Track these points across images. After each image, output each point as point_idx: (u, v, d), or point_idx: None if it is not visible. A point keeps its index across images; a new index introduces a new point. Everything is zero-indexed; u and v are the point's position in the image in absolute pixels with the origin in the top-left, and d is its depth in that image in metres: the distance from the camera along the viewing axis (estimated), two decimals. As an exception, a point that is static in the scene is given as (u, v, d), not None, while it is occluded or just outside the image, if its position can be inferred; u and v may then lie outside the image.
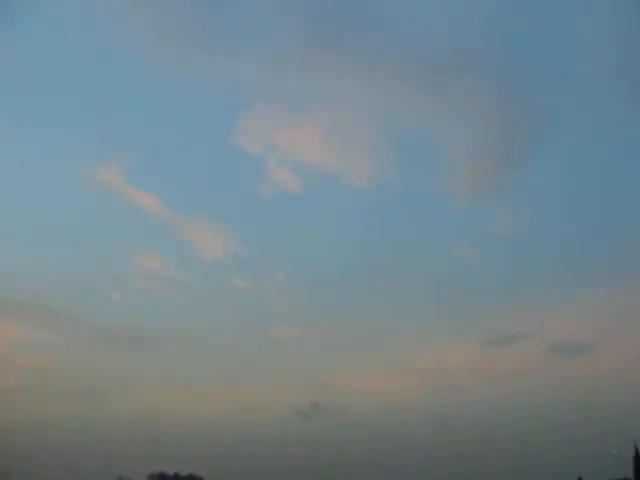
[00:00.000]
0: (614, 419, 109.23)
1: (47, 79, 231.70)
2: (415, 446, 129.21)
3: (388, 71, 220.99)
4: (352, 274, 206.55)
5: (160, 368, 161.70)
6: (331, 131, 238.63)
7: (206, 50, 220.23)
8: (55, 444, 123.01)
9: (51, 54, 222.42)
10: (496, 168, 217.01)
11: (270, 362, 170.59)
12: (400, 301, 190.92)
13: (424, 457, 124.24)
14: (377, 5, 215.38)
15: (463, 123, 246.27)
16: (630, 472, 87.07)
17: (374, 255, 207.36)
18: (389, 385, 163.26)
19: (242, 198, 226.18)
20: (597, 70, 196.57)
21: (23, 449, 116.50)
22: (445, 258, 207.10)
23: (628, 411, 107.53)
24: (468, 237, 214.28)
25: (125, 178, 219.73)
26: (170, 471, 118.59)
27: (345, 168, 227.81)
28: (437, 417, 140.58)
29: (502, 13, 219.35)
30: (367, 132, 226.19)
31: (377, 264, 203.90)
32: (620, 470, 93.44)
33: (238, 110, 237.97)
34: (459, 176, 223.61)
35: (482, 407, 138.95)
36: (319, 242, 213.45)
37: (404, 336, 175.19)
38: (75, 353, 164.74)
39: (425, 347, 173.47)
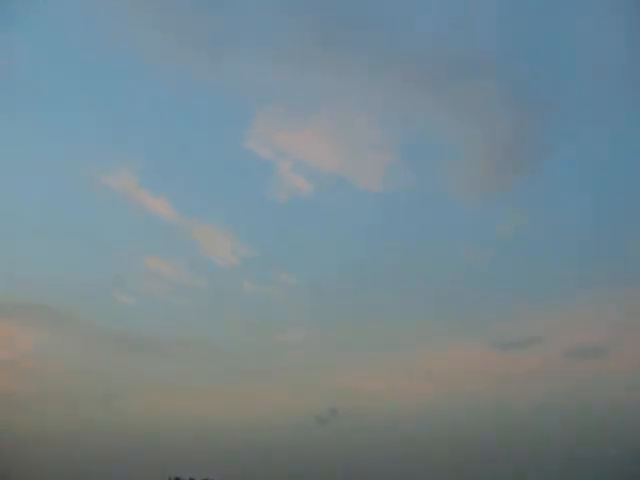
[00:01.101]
0: (630, 421, 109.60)
1: (53, 81, 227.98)
2: (427, 448, 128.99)
3: (398, 73, 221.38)
4: (364, 276, 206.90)
5: (169, 372, 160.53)
6: (341, 134, 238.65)
7: (215, 53, 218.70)
8: (65, 450, 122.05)
9: (56, 55, 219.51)
10: (504, 169, 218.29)
11: (283, 365, 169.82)
12: (413, 303, 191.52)
13: (437, 459, 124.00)
14: (398, 6, 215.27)
15: (472, 124, 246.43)
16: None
17: (385, 257, 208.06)
18: (402, 388, 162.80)
19: (251, 201, 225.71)
20: (605, 70, 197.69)
21: (28, 455, 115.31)
22: (457, 260, 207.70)
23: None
24: (478, 238, 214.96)
25: (135, 181, 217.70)
26: (185, 476, 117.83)
27: (355, 171, 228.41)
28: (449, 420, 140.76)
29: (507, 13, 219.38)
30: (377, 135, 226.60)
31: (389, 266, 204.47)
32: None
33: (248, 113, 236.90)
34: (468, 177, 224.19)
35: (497, 411, 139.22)
36: (329, 245, 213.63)
37: (417, 339, 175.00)
38: (81, 357, 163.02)
39: (437, 350, 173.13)
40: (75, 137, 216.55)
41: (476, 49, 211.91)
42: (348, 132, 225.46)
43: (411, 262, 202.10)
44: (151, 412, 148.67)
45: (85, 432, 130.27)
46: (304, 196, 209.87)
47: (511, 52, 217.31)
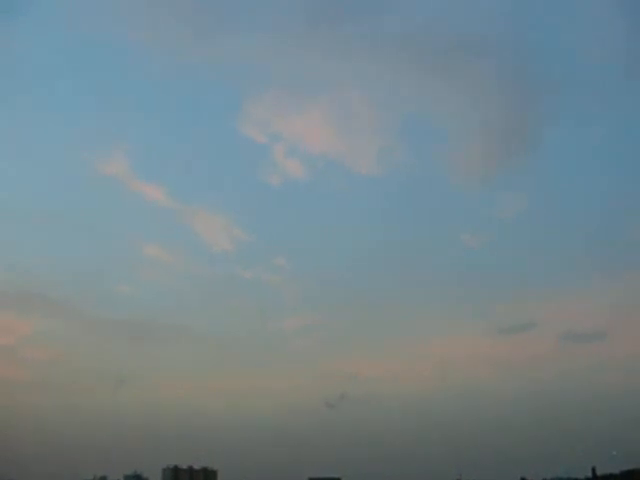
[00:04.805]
0: (627, 408, 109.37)
1: (49, 69, 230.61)
2: (434, 432, 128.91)
3: (393, 55, 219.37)
4: (362, 262, 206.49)
5: (170, 360, 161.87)
6: (336, 117, 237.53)
7: (209, 36, 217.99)
8: (66, 438, 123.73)
9: (52, 43, 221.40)
10: (504, 151, 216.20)
11: (281, 353, 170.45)
12: (411, 288, 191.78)
13: (442, 442, 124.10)
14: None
15: (470, 106, 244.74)
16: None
17: (383, 241, 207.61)
18: (404, 374, 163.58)
19: (247, 186, 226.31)
20: (604, 50, 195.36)
21: (33, 443, 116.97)
22: (454, 244, 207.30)
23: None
24: (477, 222, 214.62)
25: (131, 169, 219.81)
26: (184, 465, 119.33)
27: (351, 154, 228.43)
28: (449, 405, 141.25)
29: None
30: (372, 117, 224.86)
31: (387, 250, 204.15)
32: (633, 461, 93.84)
33: (243, 98, 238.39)
34: (467, 160, 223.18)
35: (497, 396, 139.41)
36: (327, 230, 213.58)
37: (416, 324, 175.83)
38: (83, 345, 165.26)
39: (438, 335, 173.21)
40: (71, 124, 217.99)
41: (474, 31, 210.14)
42: (343, 115, 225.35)
43: (410, 247, 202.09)
44: (151, 400, 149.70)
45: (82, 418, 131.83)
46: (299, 180, 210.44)
47: (509, 34, 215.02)
